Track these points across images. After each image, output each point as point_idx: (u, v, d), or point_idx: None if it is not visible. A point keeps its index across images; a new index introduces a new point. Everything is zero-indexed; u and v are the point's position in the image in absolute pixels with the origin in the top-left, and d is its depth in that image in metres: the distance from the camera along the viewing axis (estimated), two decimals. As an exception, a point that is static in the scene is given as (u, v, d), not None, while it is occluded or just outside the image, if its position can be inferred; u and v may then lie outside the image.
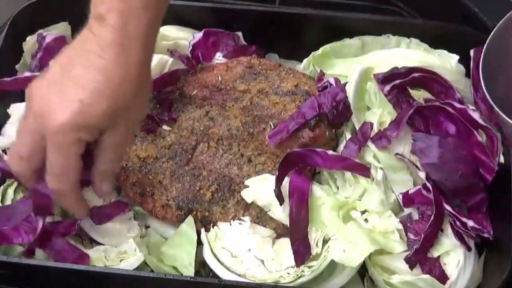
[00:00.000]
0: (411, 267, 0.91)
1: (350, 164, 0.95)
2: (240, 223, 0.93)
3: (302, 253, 0.89)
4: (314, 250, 0.89)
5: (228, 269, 0.90)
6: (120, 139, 0.84)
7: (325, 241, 0.90)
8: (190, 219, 0.95)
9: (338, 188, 0.97)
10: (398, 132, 0.96)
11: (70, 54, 0.82)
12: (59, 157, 0.80)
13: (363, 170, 0.94)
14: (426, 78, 1.00)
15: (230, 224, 0.93)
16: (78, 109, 0.78)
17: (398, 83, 0.99)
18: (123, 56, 0.80)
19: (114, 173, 0.89)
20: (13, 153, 0.84)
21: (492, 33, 0.92)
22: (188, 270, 0.91)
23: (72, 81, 0.79)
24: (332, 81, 1.03)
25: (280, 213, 0.92)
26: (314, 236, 0.90)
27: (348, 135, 0.99)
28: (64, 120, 0.78)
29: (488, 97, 0.87)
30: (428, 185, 0.93)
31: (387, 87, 0.99)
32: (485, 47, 0.92)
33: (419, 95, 1.01)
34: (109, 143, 0.83)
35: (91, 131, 0.80)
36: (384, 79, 0.99)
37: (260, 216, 0.95)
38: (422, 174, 0.94)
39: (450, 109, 0.96)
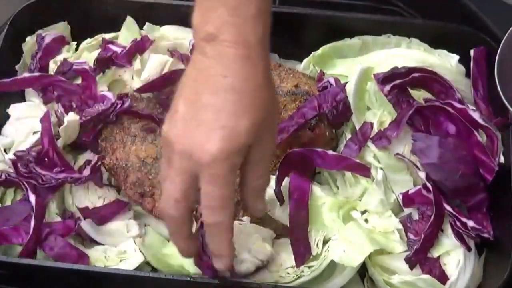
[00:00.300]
0: (411, 267, 0.91)
1: (350, 164, 0.95)
2: (240, 223, 0.93)
3: (302, 254, 0.89)
4: (314, 251, 0.89)
5: (228, 269, 0.90)
6: (267, 150, 0.81)
7: (325, 242, 0.90)
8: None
9: (338, 188, 0.97)
10: (398, 132, 0.96)
11: (191, 86, 0.78)
12: (217, 189, 0.76)
13: (363, 170, 0.94)
14: (426, 78, 1.00)
15: (230, 224, 0.93)
16: (224, 136, 0.74)
17: (398, 83, 0.99)
18: (247, 68, 0.76)
19: (266, 188, 0.85)
20: (167, 199, 0.79)
21: (507, 34, 0.92)
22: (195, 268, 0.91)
23: (206, 111, 0.75)
24: (332, 81, 1.03)
25: (280, 213, 0.92)
26: (314, 236, 0.90)
27: (348, 135, 0.99)
28: (215, 151, 0.74)
29: (503, 98, 0.88)
30: (428, 185, 0.93)
31: (387, 87, 0.99)
32: (500, 47, 0.92)
33: (419, 95, 1.01)
34: (257, 157, 0.79)
35: (242, 153, 0.76)
36: (384, 79, 0.99)
37: (260, 217, 0.94)
38: (422, 174, 0.94)
39: (450, 109, 0.96)
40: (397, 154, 0.96)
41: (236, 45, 0.75)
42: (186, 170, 0.76)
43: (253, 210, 0.85)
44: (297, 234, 0.90)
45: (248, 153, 0.78)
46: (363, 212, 0.94)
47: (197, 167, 0.75)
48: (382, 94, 0.99)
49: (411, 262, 0.91)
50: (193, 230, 0.93)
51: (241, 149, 0.75)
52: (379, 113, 0.99)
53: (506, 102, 0.88)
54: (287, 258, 0.90)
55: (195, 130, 0.75)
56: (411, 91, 1.01)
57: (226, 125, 0.74)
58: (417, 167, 0.94)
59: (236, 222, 0.93)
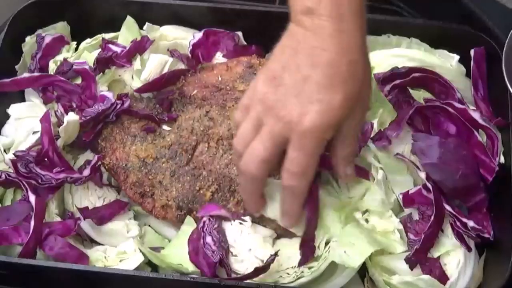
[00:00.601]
0: (411, 267, 0.91)
1: None
2: (240, 223, 0.93)
3: (307, 255, 0.89)
4: (316, 252, 0.89)
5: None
6: (358, 121, 0.85)
7: (326, 243, 0.89)
8: (189, 219, 0.95)
9: (339, 188, 0.97)
10: (398, 132, 0.96)
11: (290, 55, 0.81)
12: (303, 157, 0.81)
13: (362, 173, 0.94)
14: (426, 78, 1.00)
15: (231, 224, 0.93)
16: (321, 109, 0.78)
17: (398, 83, 0.99)
18: (345, 42, 0.80)
19: (355, 154, 0.90)
20: (253, 158, 0.83)
21: None
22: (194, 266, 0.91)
23: (305, 82, 0.79)
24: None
25: (275, 213, 0.92)
26: (317, 237, 0.90)
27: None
28: (311, 123, 0.78)
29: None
30: (428, 185, 0.93)
31: (387, 87, 0.99)
32: (506, 43, 0.94)
33: (419, 95, 1.01)
34: (349, 128, 0.83)
35: (335, 128, 0.81)
36: (384, 79, 0.99)
37: (260, 216, 0.94)
38: (422, 174, 0.94)
39: (450, 109, 0.96)
40: (397, 154, 0.96)
41: (332, 19, 0.79)
42: (279, 133, 0.80)
43: (343, 176, 0.89)
44: (309, 235, 0.90)
45: (335, 132, 0.82)
46: (363, 212, 0.94)
47: (290, 133, 0.80)
48: (382, 94, 0.99)
49: (411, 262, 0.90)
50: (191, 230, 0.94)
51: (335, 124, 0.80)
52: (379, 113, 0.99)
53: None
54: (287, 258, 0.90)
55: (294, 99, 0.79)
56: (411, 91, 1.01)
57: (324, 98, 0.78)
58: (417, 167, 0.94)
59: (236, 222, 0.93)
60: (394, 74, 0.99)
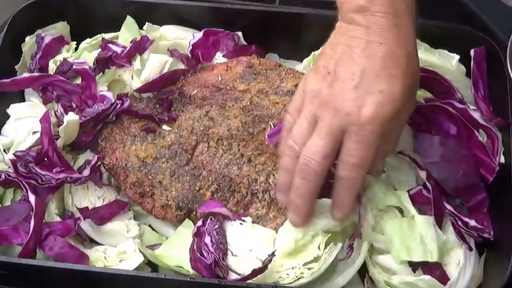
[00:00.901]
0: (414, 268, 0.90)
1: None
2: (241, 223, 0.93)
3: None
4: (316, 253, 0.89)
5: (228, 267, 0.90)
6: (406, 116, 0.86)
7: (326, 244, 0.89)
8: (188, 222, 0.95)
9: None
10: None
11: (344, 50, 0.83)
12: (362, 149, 0.81)
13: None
14: (427, 77, 1.00)
15: (232, 224, 0.93)
16: (382, 100, 0.80)
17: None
18: (402, 36, 0.81)
19: (390, 153, 0.91)
20: (315, 154, 0.82)
21: None
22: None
23: (363, 74, 0.80)
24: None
25: None
26: (319, 239, 0.89)
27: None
28: (371, 114, 0.79)
29: None
30: (428, 185, 0.93)
31: None
32: (510, 40, 0.94)
33: (420, 95, 1.01)
34: (396, 123, 0.84)
35: (393, 118, 0.81)
36: None
37: (260, 216, 0.94)
38: (422, 174, 0.93)
39: (450, 109, 0.96)
40: (400, 152, 0.96)
41: (388, 15, 0.81)
42: (338, 127, 0.81)
43: (374, 170, 0.89)
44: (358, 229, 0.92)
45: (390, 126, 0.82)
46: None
47: (348, 126, 0.80)
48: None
49: (414, 263, 0.90)
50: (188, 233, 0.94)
51: (393, 116, 0.81)
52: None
53: None
54: (288, 259, 0.90)
55: (351, 91, 0.80)
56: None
57: (384, 90, 0.79)
58: (418, 166, 0.94)
59: (237, 222, 0.93)
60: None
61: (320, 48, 0.88)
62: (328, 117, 0.81)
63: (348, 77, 0.81)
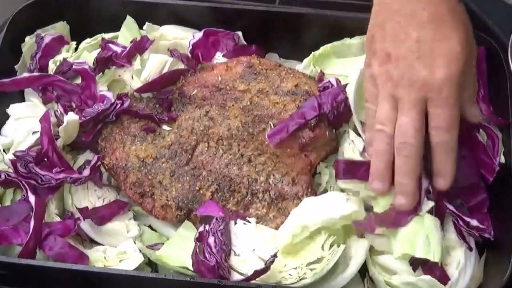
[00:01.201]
0: (415, 268, 0.90)
1: None
2: (244, 223, 0.92)
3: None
4: (319, 253, 0.88)
5: (230, 267, 0.90)
6: (474, 58, 0.89)
7: (331, 245, 0.89)
8: (187, 224, 0.95)
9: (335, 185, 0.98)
10: None
11: (392, 29, 0.86)
12: (447, 110, 0.84)
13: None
14: None
15: (235, 224, 0.93)
16: (447, 59, 0.83)
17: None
18: None
19: (475, 94, 0.92)
20: (407, 131, 0.85)
21: None
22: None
23: (420, 44, 0.84)
24: (333, 81, 1.03)
25: None
26: (323, 239, 0.89)
27: (352, 134, 0.99)
28: (444, 75, 0.83)
29: None
30: (429, 185, 0.92)
31: None
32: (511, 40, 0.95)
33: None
34: (469, 69, 0.87)
35: (464, 71, 0.84)
36: None
37: (260, 217, 0.94)
38: (424, 185, 0.93)
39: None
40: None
41: None
42: (419, 100, 0.84)
43: (470, 118, 0.91)
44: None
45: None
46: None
47: (427, 95, 0.83)
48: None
49: (414, 262, 0.90)
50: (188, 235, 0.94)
51: (463, 68, 0.84)
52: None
53: None
54: (290, 259, 0.90)
55: (417, 63, 0.84)
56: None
57: (444, 50, 0.83)
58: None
59: (240, 222, 0.93)
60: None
61: (367, 31, 0.90)
62: (406, 93, 0.84)
63: (408, 52, 0.84)
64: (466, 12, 0.88)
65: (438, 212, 0.91)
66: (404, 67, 0.84)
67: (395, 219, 0.89)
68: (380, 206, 0.91)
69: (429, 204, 0.90)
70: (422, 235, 0.88)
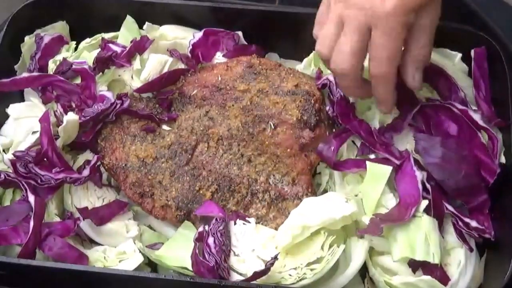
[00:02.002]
0: (414, 269, 0.90)
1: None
2: (244, 223, 0.92)
3: None
4: (319, 253, 0.88)
5: (230, 267, 0.90)
6: (433, 20, 0.88)
7: (330, 245, 0.89)
8: (187, 224, 0.95)
9: (335, 186, 0.98)
10: (402, 128, 0.96)
11: None
12: (389, 41, 0.84)
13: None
14: (432, 72, 0.99)
15: (234, 224, 0.92)
16: None
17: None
18: None
19: (426, 62, 0.92)
20: (342, 54, 0.86)
21: None
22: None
23: None
24: (331, 78, 1.02)
25: None
26: (322, 239, 0.89)
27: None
28: (393, 6, 0.83)
29: None
30: (428, 186, 0.92)
31: None
32: None
33: (422, 94, 1.01)
34: (424, 25, 0.87)
35: (415, 11, 0.84)
36: None
37: (260, 217, 0.94)
38: (420, 175, 0.93)
39: (454, 109, 0.96)
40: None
41: None
42: (364, 23, 0.84)
43: (410, 79, 0.91)
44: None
45: (415, 19, 0.85)
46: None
47: (373, 21, 0.84)
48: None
49: (414, 264, 0.90)
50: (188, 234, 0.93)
51: (415, 7, 0.84)
52: (379, 111, 1.00)
53: None
54: (290, 259, 0.90)
55: None
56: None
57: None
58: (420, 166, 0.94)
59: (240, 222, 0.92)
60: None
61: None
62: (353, 14, 0.85)
63: None
64: None
65: (436, 213, 0.91)
66: None
67: (399, 215, 0.89)
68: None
69: (423, 204, 0.90)
70: (420, 236, 0.88)
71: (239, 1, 1.18)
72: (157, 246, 0.95)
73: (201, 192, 0.95)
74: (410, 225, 0.89)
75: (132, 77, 1.07)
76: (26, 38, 1.12)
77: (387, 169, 0.94)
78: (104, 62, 1.06)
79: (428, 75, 0.98)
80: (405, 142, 0.97)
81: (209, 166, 0.97)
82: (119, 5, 1.12)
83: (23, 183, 0.95)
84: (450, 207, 0.92)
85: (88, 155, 1.01)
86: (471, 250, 0.92)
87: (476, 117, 0.96)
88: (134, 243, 0.95)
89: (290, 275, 0.88)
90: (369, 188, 0.94)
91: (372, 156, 0.97)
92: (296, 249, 0.90)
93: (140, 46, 1.08)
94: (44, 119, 0.98)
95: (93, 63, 1.06)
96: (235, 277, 0.89)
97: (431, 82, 1.01)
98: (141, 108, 1.03)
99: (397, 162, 0.94)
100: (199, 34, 1.10)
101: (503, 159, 0.97)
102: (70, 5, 1.14)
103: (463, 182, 0.92)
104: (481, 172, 0.94)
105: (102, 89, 1.05)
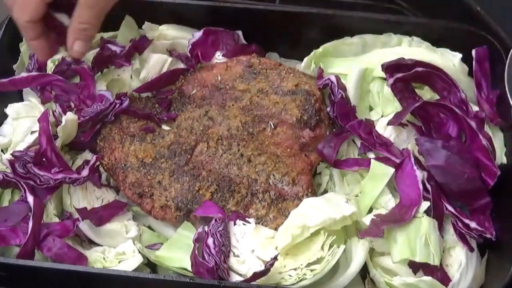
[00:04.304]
0: (415, 271, 0.90)
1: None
2: (244, 224, 0.92)
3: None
4: (319, 254, 0.88)
5: (230, 268, 0.89)
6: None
7: (331, 246, 0.89)
8: (187, 224, 0.95)
9: (334, 186, 0.97)
10: (401, 119, 0.96)
11: None
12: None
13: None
14: (430, 73, 0.99)
15: (234, 224, 0.92)
16: None
17: (401, 76, 0.98)
18: None
19: (90, 34, 0.95)
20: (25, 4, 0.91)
21: None
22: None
23: None
24: (333, 78, 1.02)
25: None
26: (322, 239, 0.89)
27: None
28: None
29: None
30: (428, 186, 0.92)
31: (391, 80, 0.98)
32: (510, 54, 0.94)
33: (421, 94, 1.01)
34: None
35: None
36: (388, 67, 0.98)
37: (260, 217, 0.94)
38: (420, 174, 0.93)
39: (456, 109, 0.96)
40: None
41: None
42: None
43: (69, 49, 0.96)
44: None
45: None
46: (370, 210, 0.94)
47: None
48: (386, 90, 0.99)
49: (415, 264, 0.90)
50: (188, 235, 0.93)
51: None
52: (381, 113, 0.99)
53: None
54: (290, 260, 0.89)
55: None
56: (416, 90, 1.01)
57: None
58: (421, 166, 0.94)
59: (240, 223, 0.92)
60: (399, 64, 0.98)
61: None
62: None
63: None
64: None
65: (436, 213, 0.91)
66: None
67: (400, 215, 0.89)
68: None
69: (424, 205, 0.90)
70: (421, 238, 0.88)
71: (239, 1, 1.18)
72: (156, 247, 0.95)
73: (200, 192, 0.95)
74: (410, 226, 0.89)
75: (131, 76, 1.07)
76: (25, 38, 1.12)
77: (390, 170, 0.93)
78: (103, 61, 1.06)
79: (425, 75, 0.98)
80: (407, 143, 0.97)
81: (208, 166, 0.96)
82: (119, 5, 1.11)
83: (22, 183, 0.95)
84: (450, 208, 0.92)
85: (87, 155, 1.01)
86: (471, 250, 0.91)
87: (472, 124, 0.95)
88: (134, 243, 0.94)
89: (290, 275, 0.88)
90: (369, 186, 0.94)
91: (372, 155, 0.97)
92: (296, 249, 0.89)
93: (139, 46, 1.07)
94: (42, 119, 0.97)
95: (92, 62, 1.06)
96: (235, 278, 0.89)
97: (431, 83, 1.01)
98: (141, 108, 1.02)
99: (397, 161, 0.94)
100: (198, 34, 1.10)
101: (504, 160, 0.96)
102: (66, 4, 1.13)
103: (465, 185, 0.92)
104: (481, 174, 0.94)
105: (101, 88, 1.05)
